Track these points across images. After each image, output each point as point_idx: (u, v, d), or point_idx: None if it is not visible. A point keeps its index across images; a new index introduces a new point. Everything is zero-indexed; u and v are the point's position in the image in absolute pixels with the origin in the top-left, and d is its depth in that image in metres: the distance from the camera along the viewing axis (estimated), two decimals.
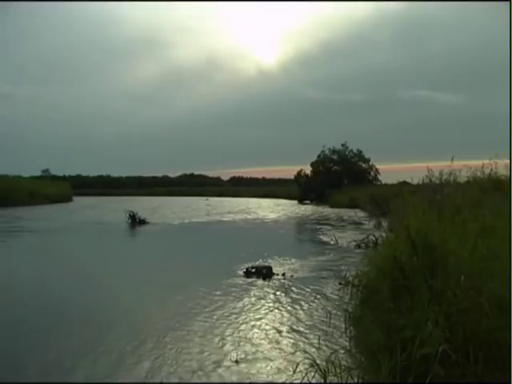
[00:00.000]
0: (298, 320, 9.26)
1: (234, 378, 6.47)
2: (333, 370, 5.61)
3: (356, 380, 5.55)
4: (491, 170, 14.75)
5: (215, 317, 9.47)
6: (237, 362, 7.07)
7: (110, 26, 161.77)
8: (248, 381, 6.40)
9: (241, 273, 13.86)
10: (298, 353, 7.35)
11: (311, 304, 10.36)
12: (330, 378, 5.53)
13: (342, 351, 6.82)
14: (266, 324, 9.06)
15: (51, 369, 6.89)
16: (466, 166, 12.32)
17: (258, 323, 9.10)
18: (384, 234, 10.52)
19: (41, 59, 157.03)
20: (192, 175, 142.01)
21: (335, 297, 10.59)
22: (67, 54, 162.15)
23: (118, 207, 40.62)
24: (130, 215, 31.77)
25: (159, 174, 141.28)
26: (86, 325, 9.10)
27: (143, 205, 48.52)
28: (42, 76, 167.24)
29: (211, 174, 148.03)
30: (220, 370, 6.75)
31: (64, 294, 11.80)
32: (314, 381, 5.70)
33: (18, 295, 11.69)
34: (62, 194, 69.75)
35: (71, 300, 11.18)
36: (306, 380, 5.78)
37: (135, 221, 31.55)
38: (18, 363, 7.20)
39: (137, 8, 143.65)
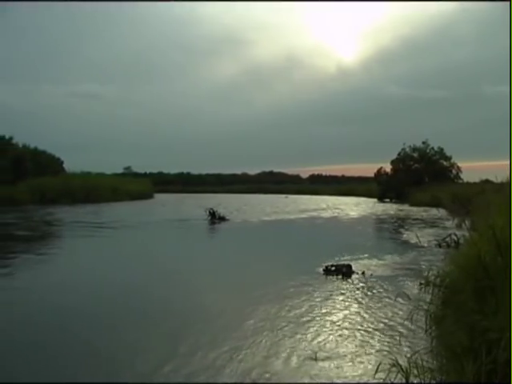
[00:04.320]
0: (378, 319, 9.20)
1: (313, 376, 6.49)
2: (415, 370, 5.55)
3: (439, 381, 5.47)
4: None
5: (295, 314, 9.55)
6: (316, 359, 7.08)
7: (190, 25, 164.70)
8: (324, 380, 6.41)
9: (320, 270, 13.84)
10: (378, 352, 7.31)
11: (391, 303, 10.26)
12: (412, 379, 5.47)
13: (424, 352, 6.71)
14: (346, 322, 9.06)
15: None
16: None
17: (338, 321, 9.11)
18: (467, 234, 10.28)
19: (125, 59, 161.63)
20: (271, 173, 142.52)
21: (416, 296, 10.42)
22: (149, 53, 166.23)
23: (197, 204, 41.22)
24: (209, 212, 32.18)
25: (238, 172, 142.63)
26: (169, 320, 9.37)
27: (222, 202, 49.03)
28: (125, 76, 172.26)
29: (290, 171, 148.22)
30: (299, 367, 6.80)
31: (150, 290, 12.17)
32: (396, 381, 5.64)
33: (104, 290, 12.18)
34: (143, 191, 71.37)
35: (156, 296, 11.53)
36: (388, 380, 5.74)
37: (215, 217, 31.96)
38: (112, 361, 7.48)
39: (217, 7, 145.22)
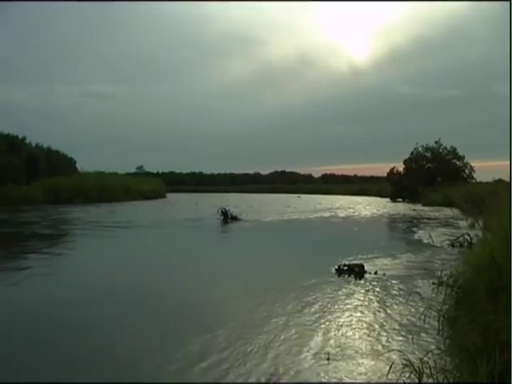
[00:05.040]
0: (391, 319, 9.18)
1: (325, 376, 6.49)
2: (428, 371, 5.54)
3: (452, 381, 5.45)
4: None
5: (307, 314, 9.54)
6: (328, 359, 7.08)
7: (202, 24, 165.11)
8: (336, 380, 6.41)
9: (333, 270, 13.82)
10: (391, 352, 7.28)
11: (404, 303, 10.22)
12: (425, 379, 5.47)
13: (437, 352, 6.70)
14: (359, 322, 9.03)
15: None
16: None
17: (351, 321, 9.09)
18: (480, 233, 10.25)
19: (137, 59, 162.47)
20: (283, 172, 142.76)
21: (429, 296, 10.39)
22: (161, 53, 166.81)
23: (209, 203, 41.27)
24: (222, 212, 32.21)
25: (251, 171, 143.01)
26: (185, 321, 9.45)
27: (234, 201, 49.02)
28: (137, 75, 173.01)
29: (302, 171, 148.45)
30: (311, 368, 6.79)
31: (163, 289, 12.25)
32: (409, 381, 5.64)
33: (117, 289, 12.27)
34: (155, 190, 71.71)
35: (170, 296, 11.61)
36: (400, 380, 5.74)
37: (227, 217, 31.97)
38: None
39: (229, 6, 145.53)
